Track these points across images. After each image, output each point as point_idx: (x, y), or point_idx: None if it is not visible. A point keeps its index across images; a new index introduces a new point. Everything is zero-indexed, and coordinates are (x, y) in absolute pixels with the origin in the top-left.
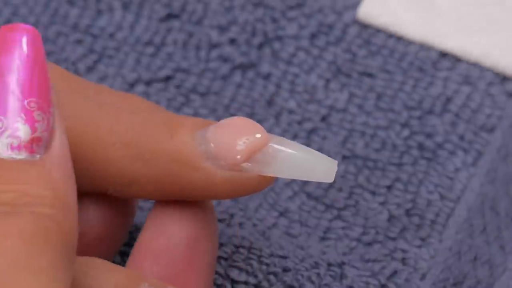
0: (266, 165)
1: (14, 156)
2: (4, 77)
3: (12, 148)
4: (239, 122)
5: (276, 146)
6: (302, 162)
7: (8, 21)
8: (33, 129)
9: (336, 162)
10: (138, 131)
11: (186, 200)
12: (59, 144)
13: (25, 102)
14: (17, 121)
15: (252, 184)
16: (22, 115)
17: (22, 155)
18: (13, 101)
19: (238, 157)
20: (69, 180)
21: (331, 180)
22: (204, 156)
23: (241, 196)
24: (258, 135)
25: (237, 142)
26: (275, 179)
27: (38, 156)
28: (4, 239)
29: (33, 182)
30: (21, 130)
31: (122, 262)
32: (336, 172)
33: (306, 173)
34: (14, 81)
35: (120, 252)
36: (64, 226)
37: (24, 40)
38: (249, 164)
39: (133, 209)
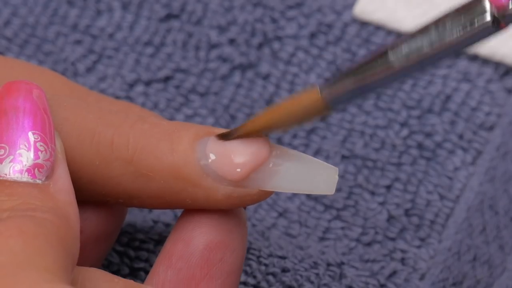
0: (267, 181)
1: (16, 178)
2: (9, 113)
3: (14, 171)
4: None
5: (277, 160)
6: (302, 177)
7: (8, 21)
8: (36, 157)
9: (337, 170)
10: (139, 146)
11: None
12: (62, 174)
13: (29, 133)
14: (20, 148)
15: (253, 198)
16: (25, 143)
17: (24, 179)
18: (17, 132)
19: (238, 170)
20: (71, 204)
21: (331, 192)
22: (205, 172)
23: (242, 206)
24: (260, 149)
25: (237, 160)
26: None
27: (39, 181)
28: (5, 239)
29: (35, 196)
30: (24, 156)
31: (121, 263)
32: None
33: (307, 188)
34: (19, 116)
35: (119, 252)
36: (64, 233)
37: (28, 88)
38: (249, 180)
39: (123, 215)
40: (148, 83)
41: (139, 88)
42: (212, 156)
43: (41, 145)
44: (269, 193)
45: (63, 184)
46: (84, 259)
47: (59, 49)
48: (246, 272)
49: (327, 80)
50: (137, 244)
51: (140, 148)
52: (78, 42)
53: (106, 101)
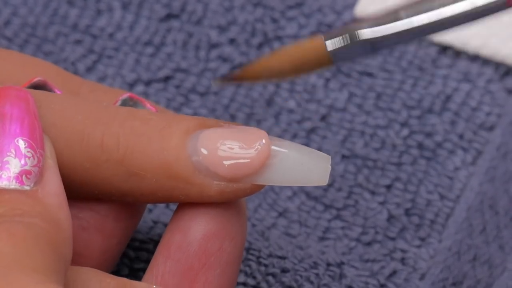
0: (259, 175)
1: (4, 186)
2: None
3: (2, 179)
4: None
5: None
6: (295, 169)
7: (8, 21)
8: (23, 163)
9: (329, 159)
10: (129, 146)
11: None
12: (51, 177)
13: (16, 139)
14: (7, 156)
15: (245, 192)
16: (12, 150)
17: (12, 186)
18: (4, 139)
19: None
20: (61, 207)
21: (324, 183)
22: (197, 169)
23: (236, 200)
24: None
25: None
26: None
27: (28, 188)
28: None
29: (23, 202)
30: (11, 163)
31: (121, 263)
32: (336, 171)
33: (300, 180)
34: (6, 123)
35: None
36: (54, 236)
37: (15, 94)
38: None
39: (142, 207)
40: (148, 83)
41: (139, 88)
42: (204, 151)
43: (28, 151)
44: (262, 187)
45: (52, 188)
46: (103, 256)
47: (59, 49)
48: (245, 273)
49: (330, 32)
50: (137, 244)
51: (130, 148)
52: (78, 42)
53: (100, 90)
